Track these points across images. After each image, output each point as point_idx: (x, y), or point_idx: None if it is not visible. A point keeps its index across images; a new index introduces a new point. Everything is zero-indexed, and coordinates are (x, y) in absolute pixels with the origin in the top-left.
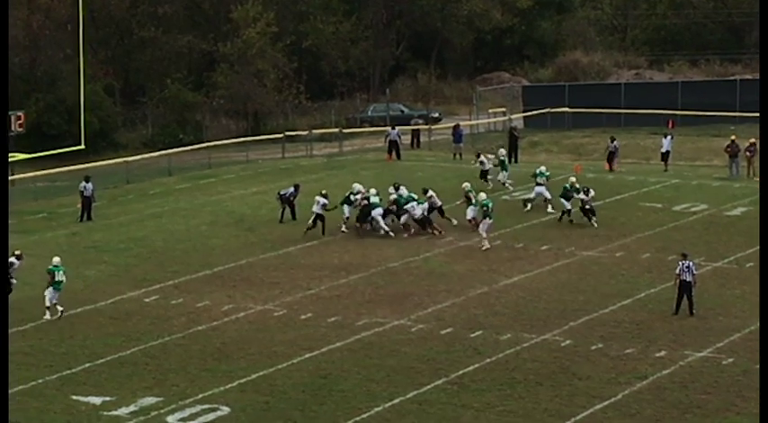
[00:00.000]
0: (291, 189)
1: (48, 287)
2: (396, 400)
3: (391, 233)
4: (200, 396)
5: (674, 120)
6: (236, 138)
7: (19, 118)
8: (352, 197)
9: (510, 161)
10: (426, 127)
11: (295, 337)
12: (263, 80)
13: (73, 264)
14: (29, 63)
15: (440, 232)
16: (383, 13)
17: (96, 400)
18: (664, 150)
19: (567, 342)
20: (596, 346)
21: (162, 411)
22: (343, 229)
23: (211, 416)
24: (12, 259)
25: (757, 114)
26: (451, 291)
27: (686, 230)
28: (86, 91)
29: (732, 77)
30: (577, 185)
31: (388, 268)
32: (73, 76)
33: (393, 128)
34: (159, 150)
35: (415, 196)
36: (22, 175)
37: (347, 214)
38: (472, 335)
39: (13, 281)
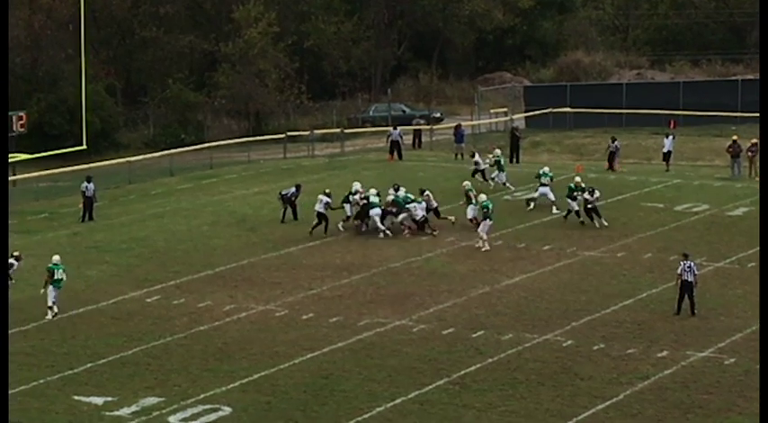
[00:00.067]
0: (293, 189)
1: (45, 284)
2: (397, 401)
3: (389, 233)
4: (202, 396)
5: (675, 120)
6: (237, 138)
7: (21, 118)
8: (351, 198)
9: (512, 161)
10: (428, 127)
11: (297, 337)
12: (265, 80)
13: (74, 264)
14: (30, 63)
15: (434, 233)
16: (385, 13)
17: (98, 401)
18: (665, 150)
19: (569, 342)
20: (598, 346)
21: (164, 411)
22: (340, 226)
23: (213, 416)
24: (11, 261)
25: (759, 114)
26: (453, 291)
27: (688, 230)
28: (88, 91)
29: (734, 77)
30: (582, 185)
31: (390, 268)
32: (74, 76)
33: (395, 128)
34: (161, 150)
35: (412, 197)
36: (23, 176)
37: (348, 213)
38: (474, 335)
39: (12, 281)
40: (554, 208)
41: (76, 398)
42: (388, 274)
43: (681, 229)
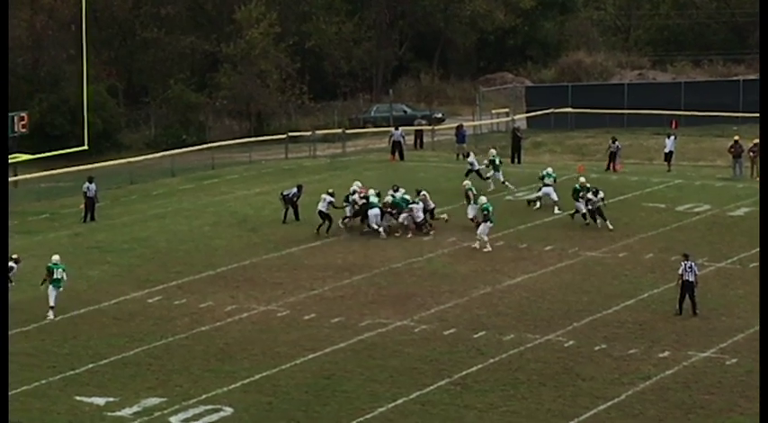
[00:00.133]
0: (294, 189)
1: (42, 282)
2: (399, 401)
3: (382, 231)
4: (204, 396)
5: (677, 120)
6: (239, 138)
7: (22, 119)
8: (350, 198)
9: (513, 162)
10: (429, 127)
11: (298, 337)
12: (266, 81)
13: (76, 264)
14: (32, 64)
15: (431, 232)
16: (386, 14)
17: (100, 401)
18: (667, 151)
19: (571, 342)
20: (600, 346)
21: (165, 412)
22: (341, 224)
23: (214, 416)
24: (10, 264)
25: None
26: (455, 291)
27: (689, 231)
28: (89, 92)
29: (735, 78)
30: (588, 185)
31: (392, 269)
32: (76, 76)
33: (396, 128)
34: (162, 151)
35: (409, 198)
36: (25, 176)
37: (348, 214)
38: (475, 335)
39: (12, 284)
40: (556, 208)
41: (78, 398)
42: (390, 275)
43: (682, 229)
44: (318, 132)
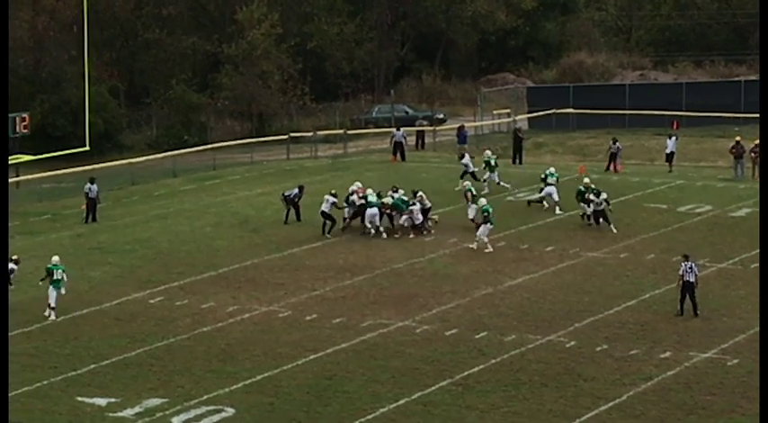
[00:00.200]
0: (296, 190)
1: (42, 279)
2: (400, 402)
3: (373, 231)
4: (205, 397)
5: (678, 121)
6: (240, 139)
7: (24, 119)
8: (350, 198)
9: (514, 162)
10: (431, 128)
11: (300, 338)
12: (268, 81)
13: (78, 265)
14: (33, 64)
15: (429, 232)
16: (387, 14)
17: (101, 402)
18: (668, 151)
19: (572, 343)
20: (601, 347)
21: (167, 413)
22: (340, 228)
23: (216, 417)
24: (10, 265)
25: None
26: (456, 292)
27: (691, 231)
28: (91, 92)
29: (737, 78)
30: (592, 186)
31: (393, 269)
32: (78, 77)
33: (398, 129)
34: (164, 152)
35: (405, 198)
36: (26, 177)
37: (346, 215)
38: (477, 336)
39: (12, 287)
40: (557, 209)
41: (80, 399)
42: (391, 276)
43: (684, 230)
44: (320, 133)
